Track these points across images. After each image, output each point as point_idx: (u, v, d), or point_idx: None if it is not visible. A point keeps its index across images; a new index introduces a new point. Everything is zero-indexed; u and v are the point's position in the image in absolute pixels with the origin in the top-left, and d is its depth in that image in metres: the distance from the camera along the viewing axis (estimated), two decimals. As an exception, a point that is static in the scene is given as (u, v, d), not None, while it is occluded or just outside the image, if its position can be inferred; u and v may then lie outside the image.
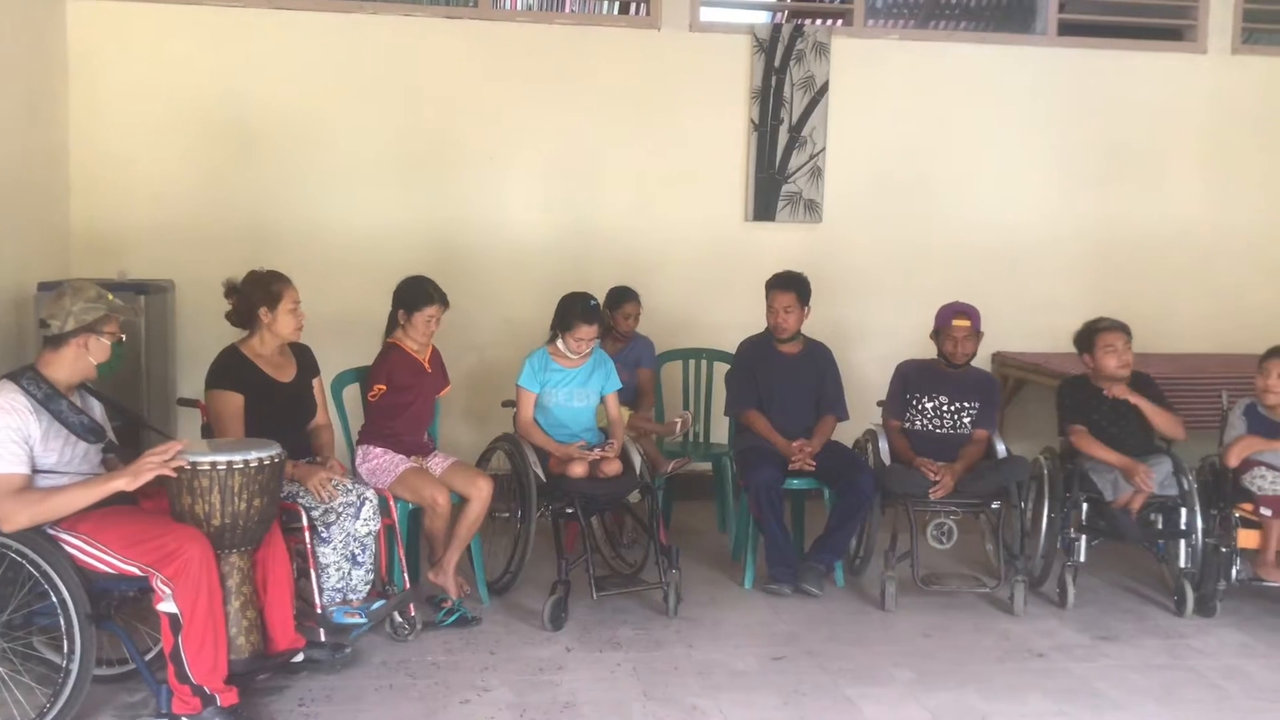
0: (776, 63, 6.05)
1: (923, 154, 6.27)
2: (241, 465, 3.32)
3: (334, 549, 3.84)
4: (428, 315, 4.35)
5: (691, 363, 5.71)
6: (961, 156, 6.31)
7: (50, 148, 5.35)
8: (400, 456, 4.32)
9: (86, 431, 3.30)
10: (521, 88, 5.88)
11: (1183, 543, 4.52)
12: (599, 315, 4.61)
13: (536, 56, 5.88)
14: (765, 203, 6.12)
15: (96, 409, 3.45)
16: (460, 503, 4.28)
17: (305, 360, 4.18)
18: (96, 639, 3.20)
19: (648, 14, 6.10)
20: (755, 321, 5.03)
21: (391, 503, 4.14)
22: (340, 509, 3.87)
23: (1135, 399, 4.59)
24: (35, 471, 3.17)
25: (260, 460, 3.37)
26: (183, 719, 3.17)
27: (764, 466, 4.62)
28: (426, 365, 4.46)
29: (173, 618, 3.14)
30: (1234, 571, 4.41)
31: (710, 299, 6.07)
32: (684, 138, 6.05)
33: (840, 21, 6.37)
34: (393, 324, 4.44)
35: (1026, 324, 6.24)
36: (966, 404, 4.77)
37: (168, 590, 3.13)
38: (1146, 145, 6.46)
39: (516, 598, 4.47)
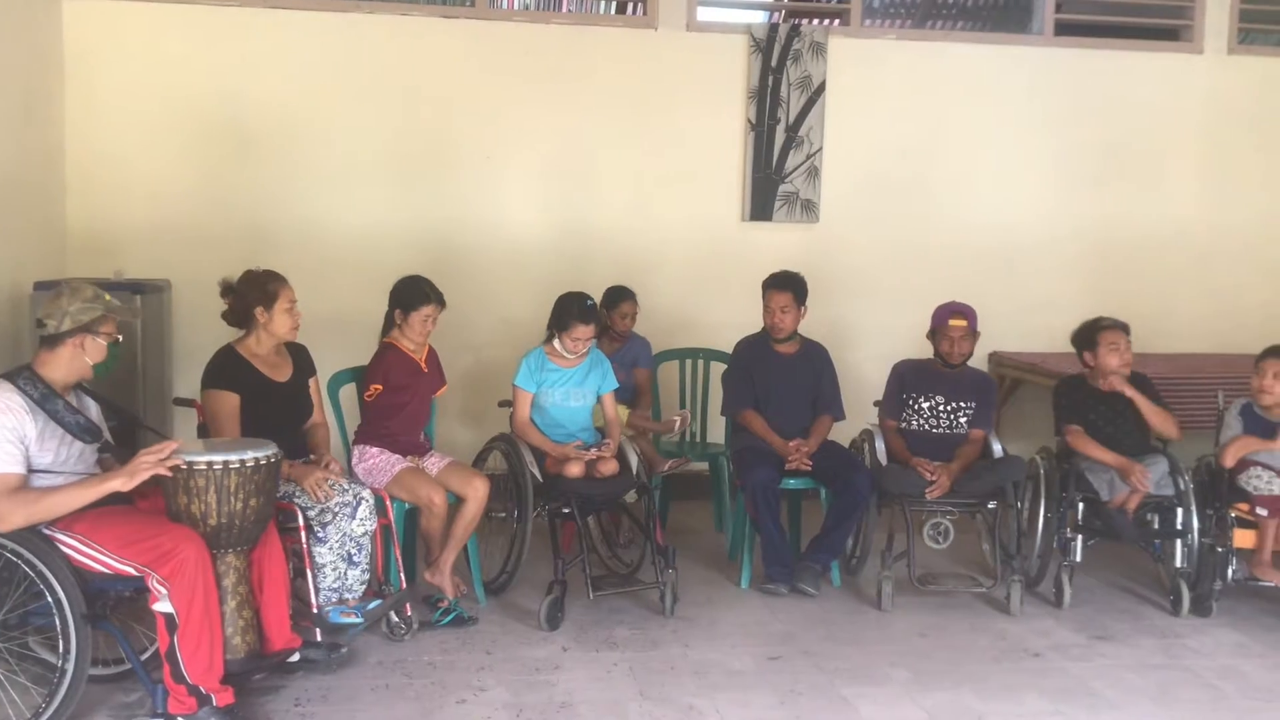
0: (773, 62, 6.05)
1: (919, 154, 6.28)
2: (238, 465, 3.31)
3: (330, 549, 3.84)
4: (424, 315, 4.34)
5: (688, 362, 5.71)
6: (958, 156, 6.32)
7: (46, 147, 5.34)
8: (397, 456, 4.32)
9: (82, 431, 3.30)
10: (519, 87, 5.88)
11: (1179, 542, 4.53)
12: (596, 315, 4.61)
13: (533, 56, 5.88)
14: (762, 202, 6.12)
15: (93, 409, 3.45)
16: (457, 503, 4.29)
17: (301, 360, 4.17)
18: (92, 639, 3.20)
19: (645, 14, 6.10)
20: (752, 321, 5.03)
21: (388, 502, 4.14)
22: (336, 509, 3.87)
23: (1131, 392, 4.60)
24: (31, 471, 3.17)
25: (256, 460, 3.36)
26: (178, 719, 3.17)
27: (760, 466, 4.62)
28: (423, 365, 4.46)
29: (168, 617, 3.13)
30: (1230, 571, 4.42)
31: (707, 299, 6.07)
32: (681, 137, 6.05)
33: (837, 21, 6.37)
34: (389, 324, 4.43)
35: (1023, 324, 6.24)
36: (963, 404, 4.77)
37: (163, 590, 3.12)
38: (1143, 145, 6.47)
39: (513, 597, 4.47)
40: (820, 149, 6.13)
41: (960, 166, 6.32)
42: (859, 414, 5.13)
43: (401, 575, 4.13)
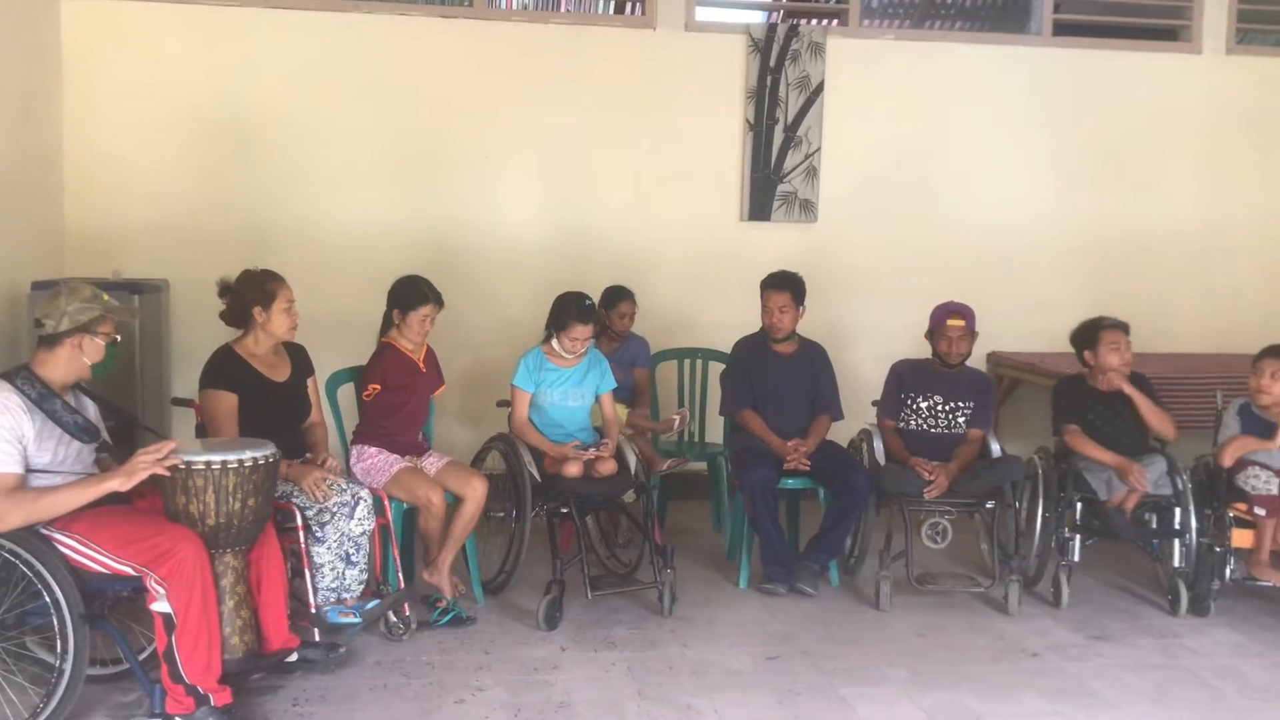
0: (772, 62, 6.05)
1: (918, 154, 6.28)
2: (236, 465, 3.31)
3: (328, 548, 3.84)
4: (422, 315, 4.34)
5: (686, 362, 5.71)
6: (957, 156, 6.32)
7: (44, 147, 5.34)
8: (395, 456, 4.31)
9: (81, 431, 3.30)
10: (517, 87, 5.88)
11: (1177, 542, 4.53)
12: (594, 315, 4.61)
13: (532, 56, 5.88)
14: (760, 202, 6.12)
15: (91, 409, 3.45)
16: (455, 502, 4.29)
17: (300, 360, 4.17)
18: (90, 639, 3.19)
19: (643, 14, 6.10)
20: (750, 321, 5.03)
21: (386, 502, 4.14)
22: (335, 508, 3.87)
23: (1131, 390, 4.61)
24: (29, 471, 3.17)
25: (255, 460, 3.36)
26: (176, 719, 3.17)
27: (759, 466, 4.62)
28: (421, 365, 4.46)
29: (166, 617, 3.13)
30: (1228, 571, 4.42)
31: (705, 299, 6.07)
32: (679, 137, 6.05)
33: (835, 21, 6.38)
34: (387, 323, 4.43)
35: (1021, 324, 6.24)
36: (961, 404, 4.77)
37: (161, 590, 3.12)
38: (1141, 145, 6.47)
39: (511, 597, 4.47)
40: (819, 149, 6.13)
41: (959, 166, 6.32)
42: (857, 414, 5.13)
43: (400, 575, 4.13)
